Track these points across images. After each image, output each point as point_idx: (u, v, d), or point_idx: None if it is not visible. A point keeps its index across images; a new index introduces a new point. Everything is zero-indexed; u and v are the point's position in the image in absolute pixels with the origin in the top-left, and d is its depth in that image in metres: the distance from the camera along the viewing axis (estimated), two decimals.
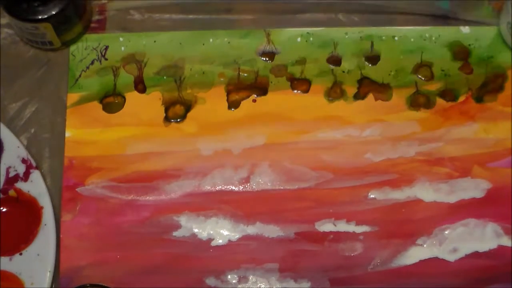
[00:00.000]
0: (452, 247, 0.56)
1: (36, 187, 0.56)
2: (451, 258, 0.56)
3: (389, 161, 0.58)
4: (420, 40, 0.62)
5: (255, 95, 0.60)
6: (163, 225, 0.56)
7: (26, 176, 0.56)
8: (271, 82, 0.61)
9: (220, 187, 0.58)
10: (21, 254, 0.55)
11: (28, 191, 0.56)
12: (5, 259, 0.55)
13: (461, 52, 0.62)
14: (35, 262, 0.54)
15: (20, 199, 0.56)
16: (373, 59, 0.61)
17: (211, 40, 0.61)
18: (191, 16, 0.63)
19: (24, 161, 0.57)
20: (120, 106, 0.60)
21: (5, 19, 0.61)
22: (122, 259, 0.56)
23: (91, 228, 0.56)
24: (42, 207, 0.56)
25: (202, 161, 0.58)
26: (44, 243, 0.55)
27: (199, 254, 0.56)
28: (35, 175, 0.56)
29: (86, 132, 0.59)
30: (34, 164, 0.57)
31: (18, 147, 0.57)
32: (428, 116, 0.60)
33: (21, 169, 0.57)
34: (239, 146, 0.59)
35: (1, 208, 0.56)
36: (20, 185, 0.56)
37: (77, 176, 0.57)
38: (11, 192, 0.56)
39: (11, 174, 0.56)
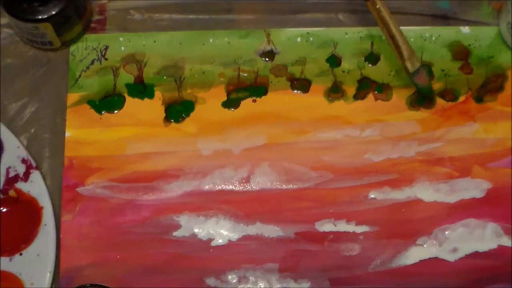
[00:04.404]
0: (452, 247, 0.56)
1: (36, 187, 0.56)
2: (451, 258, 0.56)
3: (389, 161, 0.58)
4: (420, 40, 0.62)
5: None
6: (163, 225, 0.56)
7: (26, 176, 0.56)
8: (271, 82, 0.61)
9: (220, 187, 0.58)
10: (21, 254, 0.55)
11: (28, 191, 0.56)
12: (5, 259, 0.55)
13: (461, 52, 0.61)
14: (35, 262, 0.54)
15: (20, 199, 0.56)
16: (373, 59, 0.61)
17: (211, 40, 0.61)
18: (191, 16, 0.63)
19: (24, 161, 0.57)
20: (120, 106, 0.60)
21: (5, 19, 0.61)
22: (122, 259, 0.56)
23: (91, 228, 0.56)
24: (42, 207, 0.56)
25: (202, 161, 0.58)
26: (44, 243, 0.55)
27: (199, 254, 0.56)
28: (35, 175, 0.56)
29: (86, 132, 0.59)
30: (34, 164, 0.57)
31: (18, 147, 0.57)
32: (428, 116, 0.60)
33: (21, 169, 0.56)
34: (239, 146, 0.59)
35: (1, 208, 0.56)
36: (20, 185, 0.56)
37: (77, 176, 0.57)
38: (11, 192, 0.56)
39: (11, 174, 0.56)
